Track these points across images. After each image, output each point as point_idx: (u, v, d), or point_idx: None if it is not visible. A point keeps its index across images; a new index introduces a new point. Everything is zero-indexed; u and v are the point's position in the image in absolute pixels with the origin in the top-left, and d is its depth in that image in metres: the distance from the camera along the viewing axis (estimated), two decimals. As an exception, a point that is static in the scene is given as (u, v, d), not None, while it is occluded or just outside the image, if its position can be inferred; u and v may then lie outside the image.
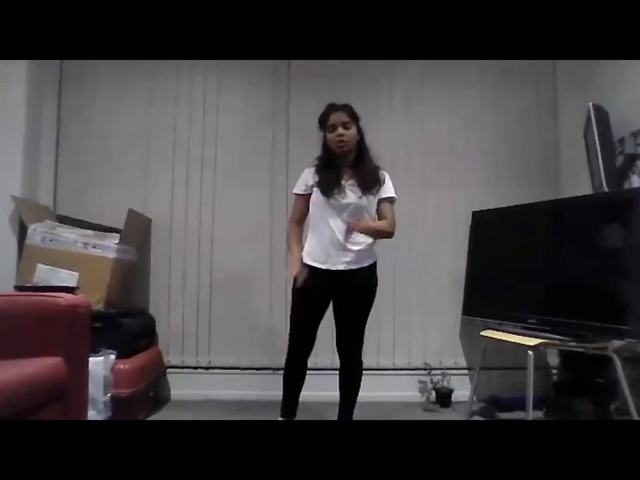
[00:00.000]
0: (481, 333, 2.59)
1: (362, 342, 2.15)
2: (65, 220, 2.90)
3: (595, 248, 2.32)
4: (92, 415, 2.15)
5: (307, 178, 2.13)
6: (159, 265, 3.12)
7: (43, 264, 2.59)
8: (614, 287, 2.19)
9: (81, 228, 2.77)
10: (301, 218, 2.17)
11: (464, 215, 3.11)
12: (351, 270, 2.04)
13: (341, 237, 2.02)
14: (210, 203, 3.16)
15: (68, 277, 2.55)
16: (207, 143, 3.19)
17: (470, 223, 3.10)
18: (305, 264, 2.10)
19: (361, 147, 2.12)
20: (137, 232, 2.92)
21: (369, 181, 2.07)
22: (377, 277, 2.13)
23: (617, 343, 2.22)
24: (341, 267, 2.03)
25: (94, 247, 2.62)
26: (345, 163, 2.10)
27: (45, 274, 2.58)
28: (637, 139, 2.40)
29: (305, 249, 2.13)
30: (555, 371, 2.97)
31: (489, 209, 2.99)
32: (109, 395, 2.34)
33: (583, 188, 2.75)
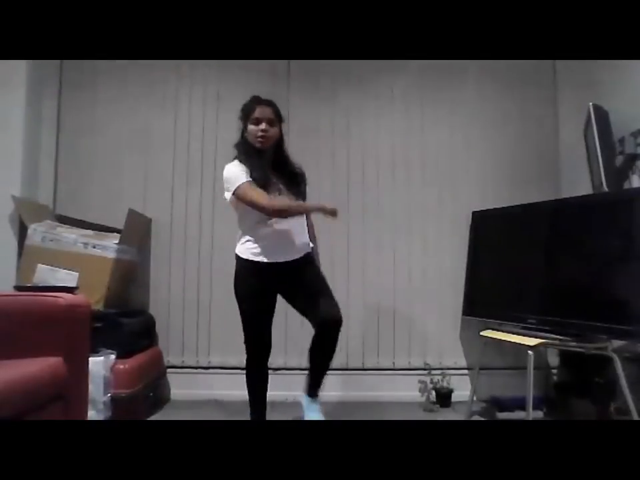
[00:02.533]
0: (481, 333, 2.59)
1: (338, 308, 2.01)
2: (65, 220, 2.90)
3: (594, 248, 2.32)
4: (92, 415, 2.15)
5: (242, 168, 1.99)
6: (159, 265, 3.12)
7: (43, 264, 2.59)
8: (614, 286, 2.19)
9: (81, 228, 2.77)
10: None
11: (464, 215, 3.11)
12: (294, 259, 2.02)
13: (281, 236, 1.99)
14: (210, 202, 3.16)
15: (68, 277, 2.55)
16: (207, 143, 3.19)
17: (470, 223, 3.10)
18: (243, 259, 2.04)
19: (281, 149, 2.08)
20: (136, 232, 2.92)
21: (298, 182, 2.08)
22: (315, 259, 2.14)
23: (616, 343, 2.21)
24: (284, 259, 2.00)
25: (94, 247, 2.62)
26: (267, 160, 2.03)
27: (44, 274, 2.58)
28: (637, 139, 2.40)
29: (240, 247, 2.07)
30: (555, 371, 2.97)
31: (488, 209, 2.99)
32: (109, 394, 2.34)
33: (583, 188, 2.76)
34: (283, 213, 1.97)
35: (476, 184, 3.19)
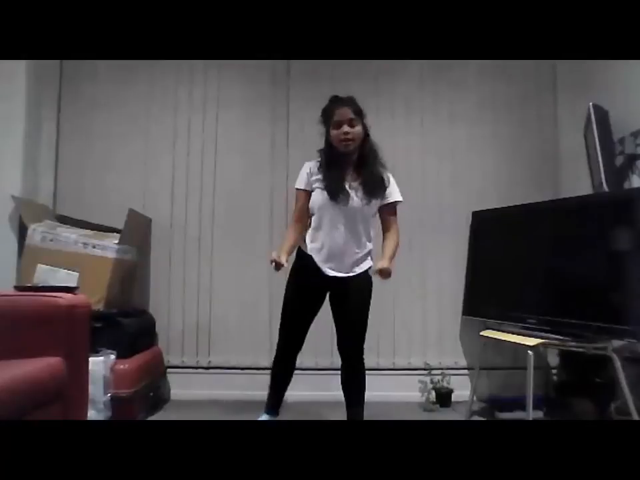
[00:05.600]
0: (481, 333, 2.59)
1: (362, 344, 2.09)
2: (65, 220, 2.90)
3: (594, 248, 2.32)
4: (92, 415, 2.15)
5: (309, 173, 2.05)
6: (159, 265, 3.12)
7: (42, 264, 2.59)
8: (614, 286, 2.19)
9: (81, 228, 2.77)
10: (302, 216, 2.08)
11: (464, 215, 3.11)
12: (349, 276, 2.03)
13: (338, 245, 2.00)
14: (210, 202, 3.16)
15: (68, 277, 2.55)
16: (207, 143, 3.19)
17: (470, 223, 3.10)
18: (303, 253, 2.07)
19: (365, 146, 2.03)
20: (136, 232, 2.92)
21: (375, 186, 2.01)
22: (371, 279, 2.10)
23: (616, 343, 2.21)
24: (340, 274, 2.02)
25: (94, 247, 2.61)
26: (349, 161, 2.03)
27: (44, 274, 2.58)
28: (637, 139, 2.40)
29: (307, 240, 2.08)
30: (555, 371, 2.96)
31: (488, 209, 2.99)
32: (108, 394, 2.34)
33: (583, 188, 2.75)
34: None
35: (476, 184, 3.19)
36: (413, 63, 3.22)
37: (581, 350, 2.26)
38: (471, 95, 3.26)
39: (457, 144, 3.23)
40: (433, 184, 3.20)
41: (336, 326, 2.12)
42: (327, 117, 2.01)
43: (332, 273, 2.02)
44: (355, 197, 1.99)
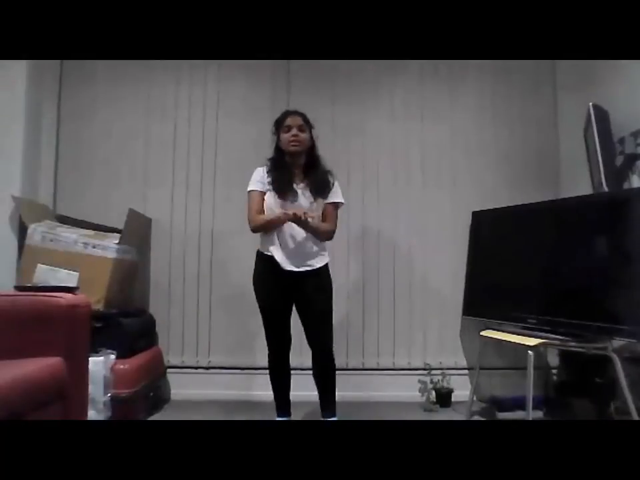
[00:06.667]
0: (481, 333, 2.59)
1: (329, 334, 2.19)
2: (65, 220, 2.90)
3: (594, 248, 2.32)
4: (92, 414, 2.15)
5: (262, 176, 2.21)
6: (159, 265, 3.12)
7: (42, 264, 2.59)
8: (614, 286, 2.18)
9: (81, 228, 2.77)
10: (260, 213, 2.19)
11: (464, 215, 3.11)
12: (305, 271, 2.14)
13: (292, 241, 2.12)
14: (210, 202, 3.16)
15: (68, 277, 2.55)
16: (207, 143, 3.19)
17: (470, 223, 3.10)
18: (263, 254, 2.19)
19: (312, 153, 2.23)
20: (137, 232, 2.92)
21: (320, 186, 2.19)
22: (330, 277, 2.24)
23: (617, 343, 2.21)
24: (297, 269, 2.13)
25: (94, 247, 2.61)
26: (296, 165, 2.20)
27: (44, 274, 2.58)
28: (636, 139, 2.40)
29: (264, 242, 2.20)
30: (555, 371, 2.96)
31: (489, 209, 2.99)
32: (108, 394, 2.34)
33: (583, 188, 2.75)
34: (262, 227, 2.16)
35: (476, 184, 3.19)
36: (412, 63, 3.22)
37: (580, 350, 2.26)
38: (471, 95, 3.26)
39: (457, 144, 3.22)
40: (433, 184, 3.20)
41: (302, 320, 2.22)
42: (279, 124, 2.21)
43: (292, 268, 2.12)
44: (303, 197, 2.16)
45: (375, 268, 3.15)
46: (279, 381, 2.27)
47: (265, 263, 2.18)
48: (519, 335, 2.36)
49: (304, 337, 2.22)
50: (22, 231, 2.74)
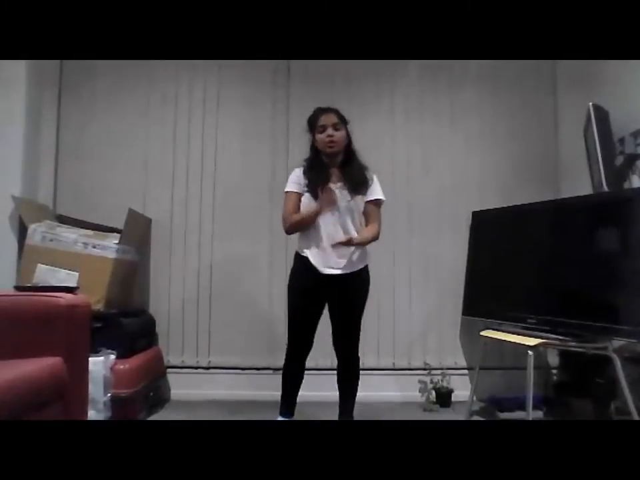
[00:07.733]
0: (481, 333, 2.59)
1: (357, 341, 2.17)
2: (65, 220, 2.90)
3: (594, 248, 2.32)
4: (92, 414, 2.15)
5: (298, 177, 2.14)
6: (159, 264, 3.12)
7: (42, 264, 2.59)
8: (614, 287, 2.19)
9: (81, 228, 2.77)
10: (295, 212, 2.12)
11: (464, 215, 3.11)
12: (344, 274, 2.08)
13: (329, 241, 2.04)
14: (210, 202, 3.16)
15: (68, 277, 2.55)
16: (207, 143, 3.19)
17: (470, 223, 3.10)
18: (300, 255, 2.13)
19: (348, 149, 2.14)
20: (136, 232, 2.92)
21: (358, 183, 2.10)
22: (369, 279, 2.18)
23: (617, 343, 2.22)
24: (335, 272, 2.07)
25: (94, 247, 2.61)
26: (333, 164, 2.13)
27: (44, 274, 2.58)
28: (637, 139, 2.40)
29: (301, 243, 2.15)
30: (555, 371, 2.97)
31: (489, 209, 2.99)
32: (109, 394, 2.34)
33: (583, 188, 2.75)
34: (296, 226, 2.09)
35: (476, 184, 3.19)
36: (412, 63, 3.22)
37: (580, 350, 2.26)
38: (471, 95, 3.26)
39: (457, 144, 3.23)
40: (433, 184, 3.20)
41: (332, 322, 2.17)
42: (313, 123, 2.12)
43: (330, 272, 2.06)
44: (339, 195, 2.06)
45: (374, 268, 3.14)
46: (292, 383, 2.22)
47: (302, 264, 2.12)
48: (518, 335, 2.37)
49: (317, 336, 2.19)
50: (22, 231, 2.75)
